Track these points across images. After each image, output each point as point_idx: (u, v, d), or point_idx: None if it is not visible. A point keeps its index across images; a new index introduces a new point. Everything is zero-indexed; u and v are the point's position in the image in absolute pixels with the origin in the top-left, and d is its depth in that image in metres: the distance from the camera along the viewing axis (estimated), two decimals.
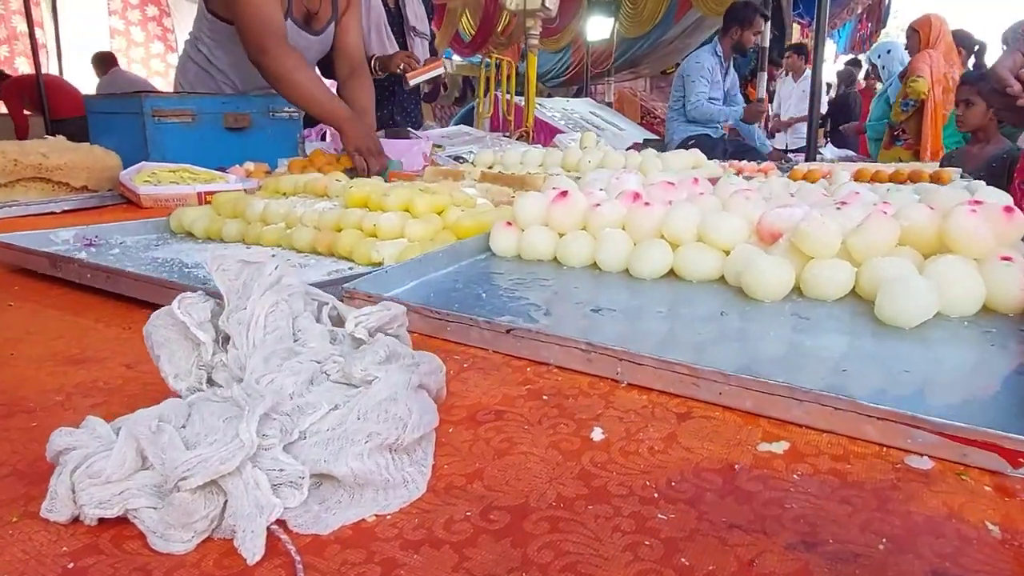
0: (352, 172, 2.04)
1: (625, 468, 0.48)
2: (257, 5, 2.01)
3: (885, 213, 0.82)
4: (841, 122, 6.83)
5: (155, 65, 9.42)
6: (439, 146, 2.73)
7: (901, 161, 3.95)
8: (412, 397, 0.47)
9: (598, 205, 0.97)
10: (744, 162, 2.59)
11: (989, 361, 0.64)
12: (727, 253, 0.88)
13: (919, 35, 4.73)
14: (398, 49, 3.13)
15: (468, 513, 0.43)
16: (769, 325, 0.73)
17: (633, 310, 0.80)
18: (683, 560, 0.38)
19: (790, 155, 4.99)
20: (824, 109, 6.98)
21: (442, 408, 0.56)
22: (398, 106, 3.28)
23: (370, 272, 0.90)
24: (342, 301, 0.80)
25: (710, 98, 4.58)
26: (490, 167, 1.95)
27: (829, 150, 5.76)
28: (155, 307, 0.83)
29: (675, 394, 0.59)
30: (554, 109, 5.46)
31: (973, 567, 0.38)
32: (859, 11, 8.77)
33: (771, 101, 7.02)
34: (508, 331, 0.68)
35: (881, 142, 4.93)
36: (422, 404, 0.48)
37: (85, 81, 6.69)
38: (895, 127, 4.72)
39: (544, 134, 4.46)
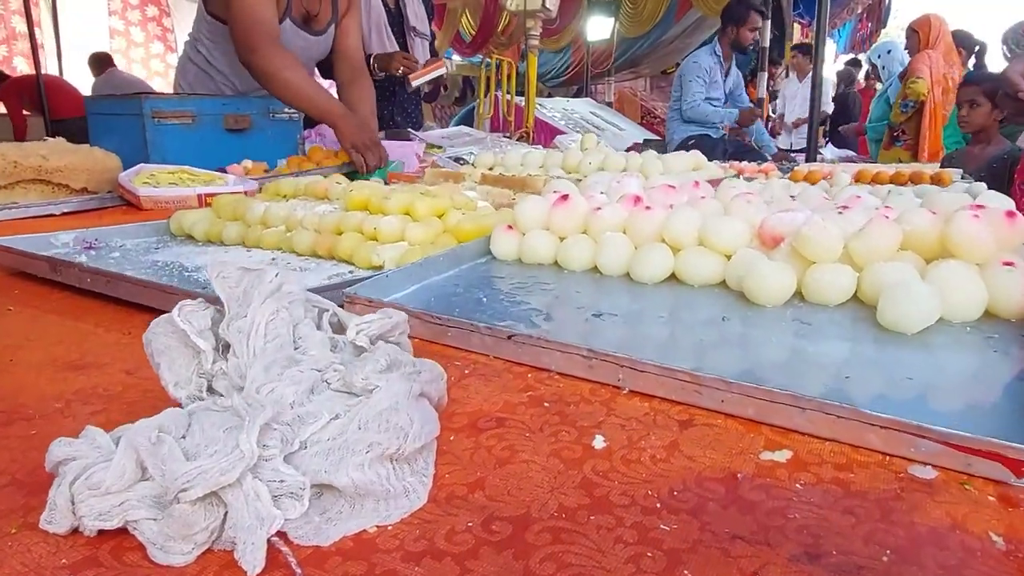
0: (350, 166, 2.04)
1: (627, 477, 0.48)
2: (248, 5, 2.01)
3: (887, 218, 0.82)
4: (841, 122, 6.83)
5: (155, 65, 9.42)
6: (439, 147, 2.73)
7: (901, 162, 3.94)
8: (413, 406, 0.47)
9: (599, 209, 0.97)
10: (744, 163, 2.59)
11: (991, 368, 0.64)
12: (728, 257, 0.87)
13: (919, 35, 4.72)
14: (398, 49, 3.13)
15: (470, 524, 0.43)
16: (771, 330, 0.73)
17: (634, 315, 0.80)
18: (686, 572, 0.38)
19: (793, 155, 4.99)
20: (830, 108, 6.97)
21: (443, 415, 0.56)
22: (398, 107, 3.28)
23: (370, 276, 0.90)
24: (342, 306, 0.80)
25: (709, 99, 4.58)
26: (491, 168, 1.95)
27: (829, 150, 5.76)
28: (155, 312, 0.83)
29: (677, 401, 0.59)
30: (554, 109, 5.46)
31: None
32: (859, 11, 8.77)
33: (772, 101, 7.02)
34: (509, 337, 0.68)
35: (881, 143, 4.93)
36: (423, 413, 0.48)
37: (85, 81, 6.69)
38: (895, 128, 4.72)
39: (544, 134, 4.45)
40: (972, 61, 5.03)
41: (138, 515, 0.40)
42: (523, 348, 0.67)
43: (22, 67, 7.83)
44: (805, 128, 5.22)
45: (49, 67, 7.41)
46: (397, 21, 3.20)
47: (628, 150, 4.22)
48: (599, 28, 8.80)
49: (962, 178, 2.12)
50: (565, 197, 0.99)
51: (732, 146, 4.42)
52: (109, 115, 2.17)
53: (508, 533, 0.42)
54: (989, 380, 0.62)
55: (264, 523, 0.39)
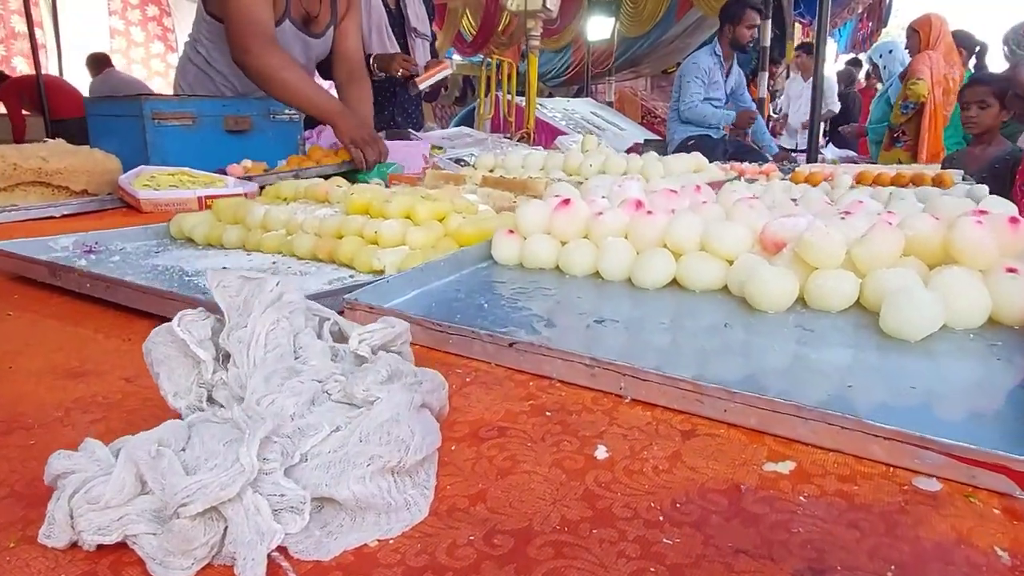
0: (350, 164, 2.04)
1: (629, 489, 0.48)
2: (243, 5, 2.01)
3: (889, 223, 0.82)
4: (841, 122, 6.82)
5: (155, 65, 9.43)
6: (439, 147, 2.73)
7: (901, 163, 3.94)
8: (414, 418, 0.47)
9: (600, 214, 0.97)
10: (745, 164, 2.59)
11: (995, 376, 0.64)
12: (730, 263, 0.87)
13: (919, 35, 4.72)
14: (398, 50, 3.13)
15: (471, 537, 0.43)
16: (773, 337, 0.73)
17: (636, 321, 0.80)
18: None
19: (795, 155, 4.98)
20: (837, 107, 6.96)
21: (444, 424, 0.56)
22: (399, 107, 3.28)
23: (371, 282, 0.90)
24: (343, 312, 0.80)
25: (709, 99, 4.57)
26: (491, 170, 1.94)
27: (830, 150, 5.76)
28: (155, 317, 0.84)
29: (679, 410, 0.59)
30: (555, 109, 5.46)
31: None
32: (860, 10, 8.77)
33: (773, 100, 7.01)
34: (511, 345, 0.68)
35: (881, 144, 4.92)
36: (425, 425, 0.47)
37: (85, 81, 6.69)
38: (895, 129, 4.71)
39: (545, 135, 4.45)
40: (973, 61, 5.03)
41: (137, 530, 0.40)
42: (525, 356, 0.67)
43: (22, 67, 7.83)
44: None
45: (49, 67, 7.41)
46: (398, 22, 3.19)
47: (629, 150, 4.22)
48: (600, 28, 8.80)
49: (963, 179, 2.12)
50: (567, 201, 0.99)
51: (732, 146, 4.42)
52: (109, 117, 2.17)
53: (510, 547, 0.42)
54: (993, 389, 0.62)
55: (264, 538, 0.39)
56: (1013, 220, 0.78)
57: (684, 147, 4.42)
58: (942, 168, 2.33)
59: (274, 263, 1.11)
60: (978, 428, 0.55)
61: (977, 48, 5.09)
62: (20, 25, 7.61)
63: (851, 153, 5.77)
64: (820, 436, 0.52)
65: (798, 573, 0.39)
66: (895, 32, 10.19)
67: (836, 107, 6.97)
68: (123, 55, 8.99)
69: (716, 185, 1.75)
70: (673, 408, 0.59)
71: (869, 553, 0.41)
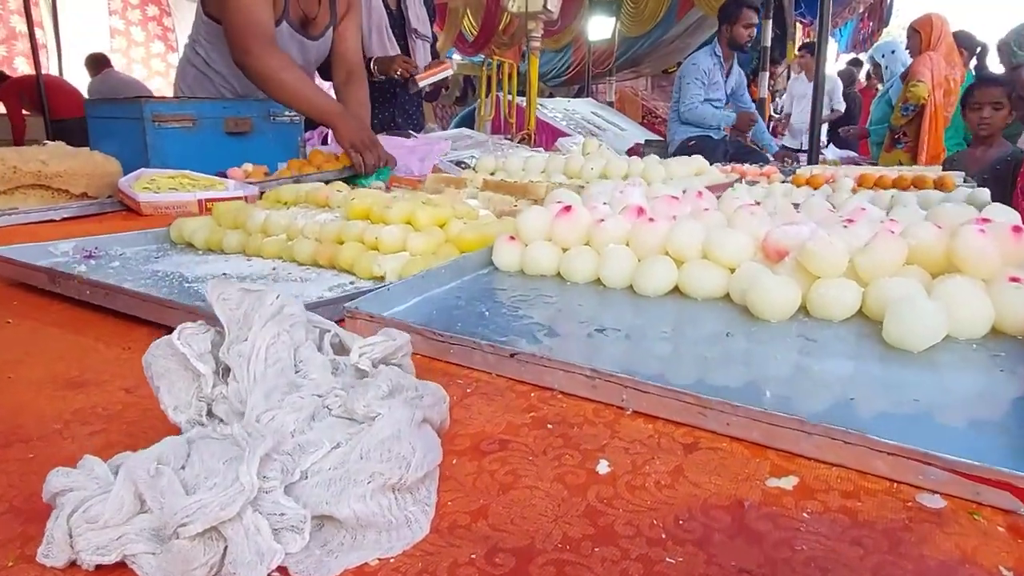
0: (351, 171, 2.04)
1: (632, 505, 0.48)
2: (243, 6, 2.01)
3: (892, 232, 0.81)
4: (841, 123, 6.81)
5: (155, 65, 9.43)
6: None
7: (902, 164, 3.94)
8: (415, 434, 0.46)
9: (602, 221, 0.97)
10: (746, 165, 2.59)
11: (999, 388, 0.63)
12: (732, 271, 0.87)
13: (920, 35, 4.71)
14: (399, 51, 3.13)
15: (473, 556, 0.42)
16: (775, 347, 0.73)
17: (637, 330, 0.79)
18: None
19: (798, 154, 4.97)
20: (842, 107, 6.94)
21: (446, 437, 0.56)
22: (399, 108, 3.28)
23: (372, 289, 0.89)
24: (343, 320, 0.80)
25: (709, 100, 4.57)
26: (492, 173, 1.94)
27: (831, 151, 5.75)
28: (155, 325, 0.83)
29: (681, 423, 0.58)
30: (555, 110, 5.46)
31: None
32: (861, 10, 8.76)
33: (773, 100, 7.00)
34: (512, 355, 0.67)
35: (882, 145, 4.92)
36: (426, 441, 0.47)
37: (85, 81, 6.69)
38: (895, 131, 4.71)
39: (546, 136, 4.45)
40: (974, 62, 5.02)
41: (136, 549, 0.39)
42: (526, 367, 0.67)
43: (22, 67, 7.83)
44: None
45: (49, 67, 7.41)
46: (398, 23, 3.19)
47: (629, 151, 4.21)
48: (600, 27, 8.80)
49: (964, 182, 2.12)
50: (568, 208, 0.99)
51: (733, 147, 4.42)
52: (109, 119, 2.17)
53: (512, 566, 0.41)
54: (996, 401, 0.61)
55: (265, 558, 0.39)
56: (1016, 229, 0.78)
57: (685, 148, 4.42)
58: (943, 169, 2.33)
59: (274, 269, 1.10)
60: (982, 443, 0.54)
61: (978, 49, 5.09)
62: (20, 25, 7.61)
63: (852, 154, 5.76)
64: (823, 451, 0.52)
65: None
66: (896, 32, 10.18)
67: (841, 107, 6.96)
68: (123, 55, 8.99)
69: (718, 188, 1.75)
70: (675, 421, 0.59)
71: (873, 572, 0.40)
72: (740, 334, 0.77)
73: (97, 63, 6.62)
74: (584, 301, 0.90)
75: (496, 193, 1.51)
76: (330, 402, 0.49)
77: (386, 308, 0.83)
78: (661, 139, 5.15)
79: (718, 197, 1.18)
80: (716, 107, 4.60)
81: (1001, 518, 0.45)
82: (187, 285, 1.01)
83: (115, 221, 1.64)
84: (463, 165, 2.35)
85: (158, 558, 0.39)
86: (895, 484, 0.49)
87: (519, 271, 1.01)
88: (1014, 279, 0.74)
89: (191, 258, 1.19)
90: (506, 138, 3.44)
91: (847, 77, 7.75)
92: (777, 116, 7.43)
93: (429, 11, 3.42)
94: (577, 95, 8.09)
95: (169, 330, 0.62)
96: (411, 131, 2.98)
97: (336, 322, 0.78)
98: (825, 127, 6.45)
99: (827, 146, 6.19)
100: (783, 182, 2.07)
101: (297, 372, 0.52)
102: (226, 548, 0.39)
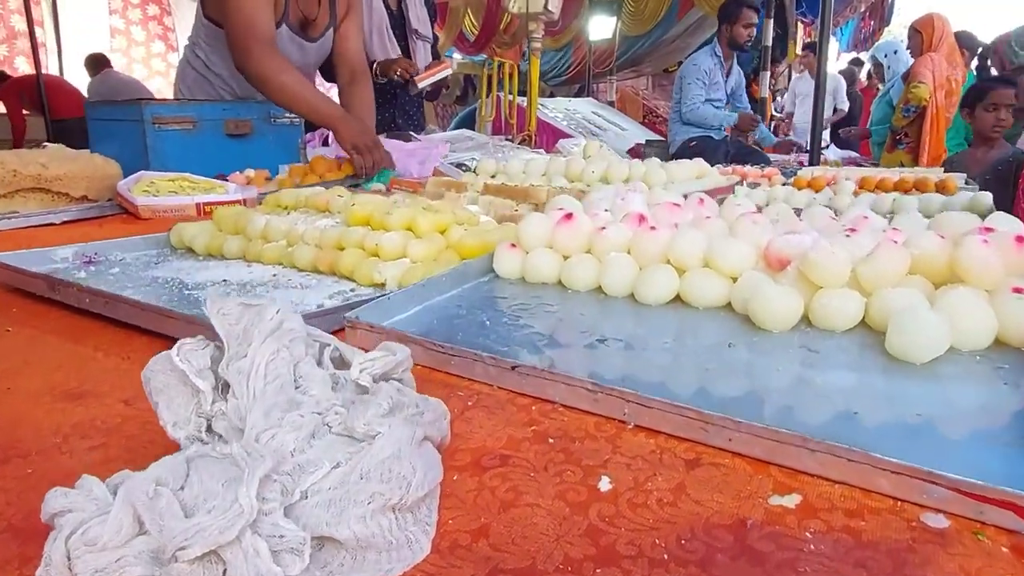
0: (353, 179, 2.03)
1: (633, 523, 0.47)
2: (244, 9, 2.00)
3: (895, 241, 0.81)
4: (842, 124, 6.80)
5: (156, 65, 9.42)
6: None
7: (903, 165, 3.93)
8: (416, 453, 0.46)
9: (603, 228, 0.96)
10: (747, 166, 2.58)
11: (1002, 401, 0.63)
12: (734, 280, 0.87)
13: (921, 36, 4.70)
14: (399, 52, 3.12)
15: None
16: (777, 358, 0.72)
17: (639, 339, 0.79)
18: None
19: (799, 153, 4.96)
20: (846, 106, 6.93)
21: (446, 452, 0.55)
22: (400, 108, 3.27)
23: (372, 297, 0.89)
24: (343, 330, 0.79)
25: (710, 100, 4.56)
26: (493, 176, 1.94)
27: (832, 151, 5.74)
28: (155, 334, 0.83)
29: (684, 438, 0.58)
30: (556, 110, 5.45)
31: None
32: (862, 9, 8.75)
33: (774, 100, 6.99)
34: (513, 368, 0.67)
35: (883, 145, 4.91)
36: (426, 460, 0.47)
37: (85, 81, 6.69)
38: (896, 132, 4.70)
39: (547, 136, 4.44)
40: (975, 63, 5.01)
41: (135, 572, 0.39)
42: (527, 379, 0.66)
43: (23, 67, 7.83)
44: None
45: (49, 67, 7.40)
46: (399, 24, 3.19)
47: (630, 151, 4.20)
48: (601, 27, 8.80)
49: (966, 183, 2.11)
50: (569, 216, 0.98)
51: (734, 147, 4.41)
52: (109, 121, 2.17)
53: None
54: (1000, 415, 0.61)
55: None
56: (1019, 239, 0.78)
57: (686, 148, 4.41)
58: (944, 170, 2.32)
59: (274, 275, 1.10)
60: (986, 459, 0.54)
61: (979, 49, 5.08)
62: (20, 24, 7.60)
63: (853, 154, 5.75)
64: (826, 468, 0.51)
65: None
66: (897, 31, 10.16)
67: (845, 106, 6.95)
68: (123, 54, 8.99)
69: (719, 191, 1.74)
70: (677, 435, 0.58)
71: None
72: (742, 344, 0.76)
73: (97, 63, 6.62)
74: (585, 310, 0.89)
75: (497, 197, 1.51)
76: (330, 419, 0.49)
77: (386, 317, 0.83)
78: (662, 139, 5.14)
79: (720, 201, 1.17)
80: (717, 107, 4.59)
81: (1005, 538, 0.45)
82: (187, 292, 1.00)
83: (115, 225, 1.64)
84: (464, 167, 2.35)
85: None
86: (899, 503, 0.49)
87: (520, 278, 1.01)
88: (1017, 290, 0.74)
89: (191, 264, 1.19)
90: (507, 139, 3.44)
91: (848, 76, 7.75)
92: (779, 115, 7.42)
93: (430, 11, 3.41)
94: (578, 94, 8.09)
95: (169, 339, 0.62)
96: (412, 132, 2.97)
97: (336, 332, 0.78)
98: (827, 128, 6.45)
99: (827, 147, 6.18)
100: (784, 184, 2.06)
101: (297, 388, 0.52)
102: (225, 571, 0.39)
